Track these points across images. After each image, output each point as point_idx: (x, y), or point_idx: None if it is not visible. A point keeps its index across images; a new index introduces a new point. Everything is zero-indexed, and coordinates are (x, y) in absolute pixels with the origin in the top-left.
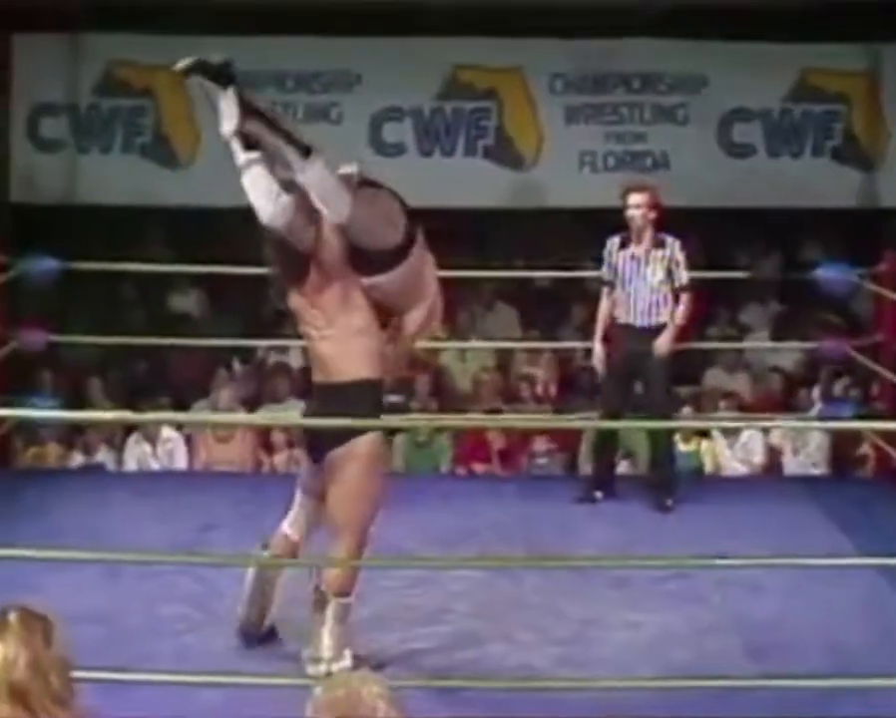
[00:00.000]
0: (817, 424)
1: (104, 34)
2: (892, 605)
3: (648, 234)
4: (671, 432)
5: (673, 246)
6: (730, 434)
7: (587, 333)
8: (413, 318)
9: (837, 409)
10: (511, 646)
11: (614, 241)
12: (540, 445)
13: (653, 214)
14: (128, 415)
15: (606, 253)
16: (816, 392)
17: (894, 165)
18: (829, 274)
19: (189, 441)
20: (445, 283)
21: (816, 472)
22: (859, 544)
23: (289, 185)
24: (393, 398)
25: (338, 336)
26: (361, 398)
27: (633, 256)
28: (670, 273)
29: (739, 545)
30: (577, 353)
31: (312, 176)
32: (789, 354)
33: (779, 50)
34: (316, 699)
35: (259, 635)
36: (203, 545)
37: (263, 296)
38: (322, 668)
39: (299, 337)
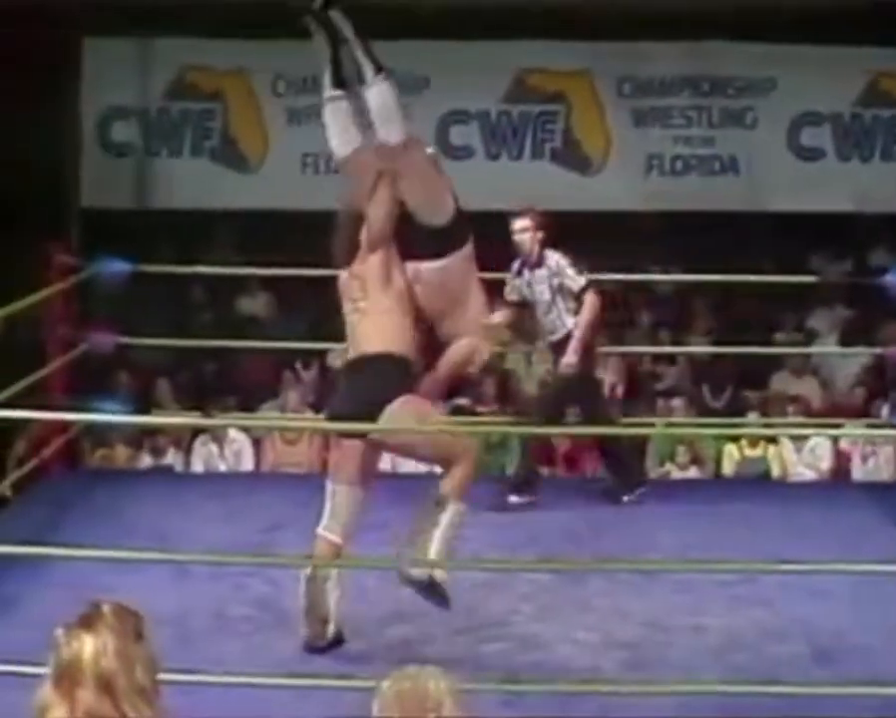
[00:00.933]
0: (885, 432)
1: (175, 38)
2: None
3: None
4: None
5: (551, 259)
6: (798, 439)
7: (654, 337)
8: (457, 348)
9: None
10: (576, 649)
11: (514, 268)
12: None
13: (540, 235)
14: (194, 419)
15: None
16: (886, 402)
17: None
18: None
19: (256, 443)
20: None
21: (885, 479)
22: None
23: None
24: (460, 400)
25: (371, 309)
26: (387, 370)
27: (528, 283)
28: (561, 287)
29: (805, 550)
30: (644, 357)
31: (378, 92)
32: (857, 360)
33: (849, 53)
34: (382, 693)
35: (326, 644)
36: (270, 546)
37: (330, 299)
38: (426, 572)
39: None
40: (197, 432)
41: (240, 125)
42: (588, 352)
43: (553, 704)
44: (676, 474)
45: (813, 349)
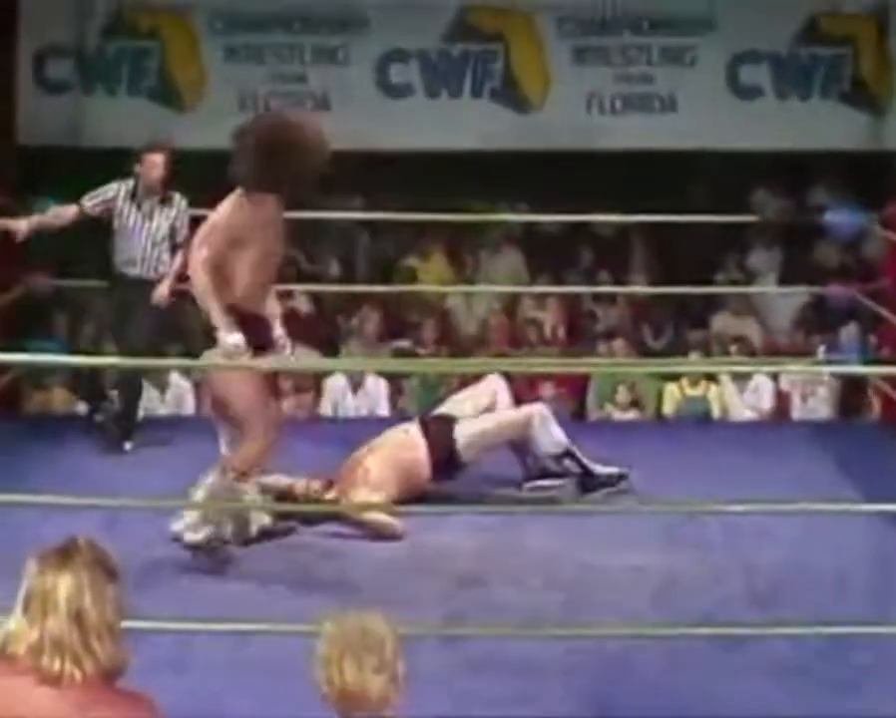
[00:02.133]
0: (825, 369)
1: None
2: None
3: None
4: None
5: (180, 201)
6: (741, 379)
7: (593, 277)
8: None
9: (843, 355)
10: (518, 591)
11: (121, 188)
12: (547, 390)
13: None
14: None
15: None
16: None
17: None
18: (838, 218)
19: (197, 386)
20: (455, 227)
21: (823, 417)
22: (865, 490)
23: None
24: (400, 342)
25: None
26: None
27: (139, 208)
28: (173, 231)
29: (747, 490)
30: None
31: None
32: (796, 299)
33: None
34: (326, 630)
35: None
36: None
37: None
38: (180, 525)
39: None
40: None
41: (178, 63)
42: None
43: (493, 646)
44: (617, 415)
45: (753, 289)
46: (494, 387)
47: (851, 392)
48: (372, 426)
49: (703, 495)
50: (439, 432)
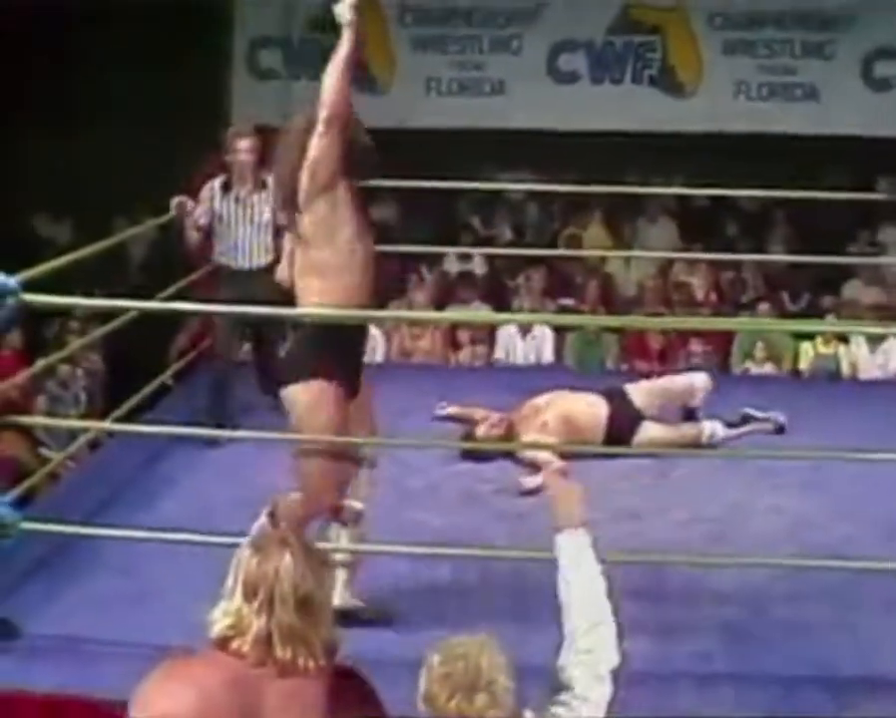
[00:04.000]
0: None
1: None
2: None
3: (252, 177)
4: None
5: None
6: (874, 340)
7: (738, 247)
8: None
9: None
10: (667, 523)
11: (214, 186)
12: (696, 346)
13: (255, 157)
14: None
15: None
16: None
17: None
18: None
19: (387, 335)
20: (614, 200)
21: None
22: None
23: None
24: (564, 301)
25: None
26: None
27: (237, 198)
28: (274, 214)
29: (872, 442)
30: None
31: None
32: None
33: None
34: (431, 669)
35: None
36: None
37: (450, 209)
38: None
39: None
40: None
41: (371, 51)
42: None
43: (647, 573)
44: (754, 369)
45: (882, 259)
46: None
47: None
48: (540, 373)
49: (835, 444)
50: (618, 394)
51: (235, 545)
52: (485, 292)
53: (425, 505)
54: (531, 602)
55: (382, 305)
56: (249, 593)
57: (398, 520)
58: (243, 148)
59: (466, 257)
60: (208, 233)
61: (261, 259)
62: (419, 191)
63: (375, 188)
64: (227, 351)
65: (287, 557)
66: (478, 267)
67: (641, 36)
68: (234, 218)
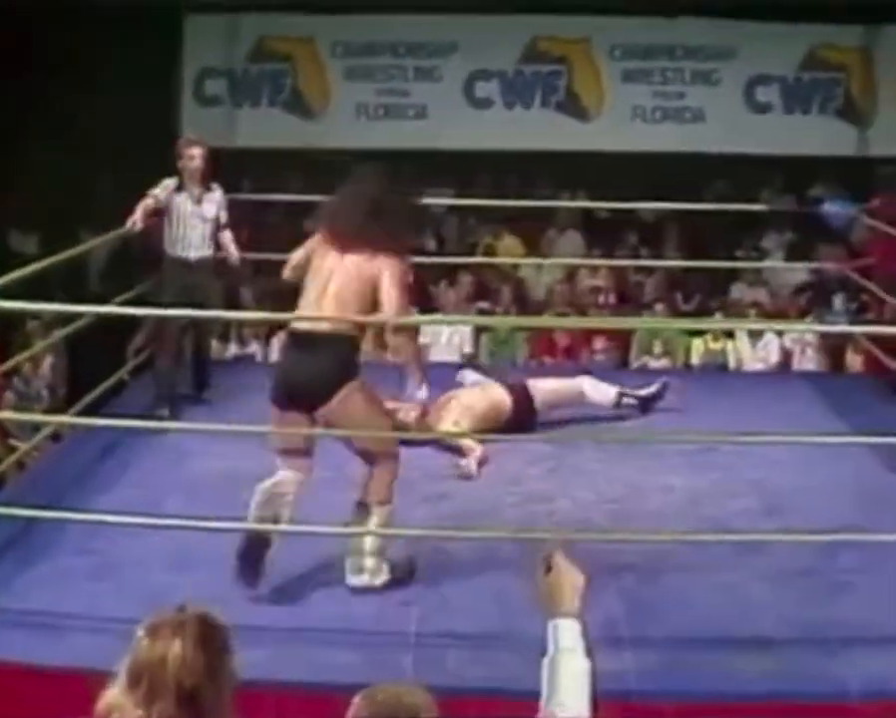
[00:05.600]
0: (821, 328)
1: (255, 13)
2: (877, 476)
3: (201, 179)
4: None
5: (220, 192)
6: (754, 336)
7: (638, 254)
8: None
9: (835, 318)
10: (573, 504)
11: (169, 184)
12: (599, 343)
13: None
14: (272, 314)
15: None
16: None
17: (883, 123)
18: (832, 209)
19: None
20: (526, 213)
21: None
22: (852, 426)
23: None
24: (481, 304)
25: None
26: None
27: (188, 197)
28: (218, 215)
29: (757, 426)
30: (630, 270)
31: None
32: (798, 274)
33: (793, 28)
34: (357, 702)
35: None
36: None
37: None
38: (365, 578)
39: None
40: (274, 328)
41: (306, 80)
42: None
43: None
44: (652, 364)
45: (764, 263)
46: (580, 384)
47: (840, 349)
48: (459, 368)
49: (722, 428)
50: (520, 389)
51: (185, 527)
52: (411, 294)
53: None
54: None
55: None
56: (133, 680)
57: (339, 501)
58: (196, 154)
59: None
60: (157, 218)
61: (205, 251)
62: None
63: (307, 204)
64: (176, 341)
65: (177, 645)
66: None
67: (548, 65)
68: (185, 214)
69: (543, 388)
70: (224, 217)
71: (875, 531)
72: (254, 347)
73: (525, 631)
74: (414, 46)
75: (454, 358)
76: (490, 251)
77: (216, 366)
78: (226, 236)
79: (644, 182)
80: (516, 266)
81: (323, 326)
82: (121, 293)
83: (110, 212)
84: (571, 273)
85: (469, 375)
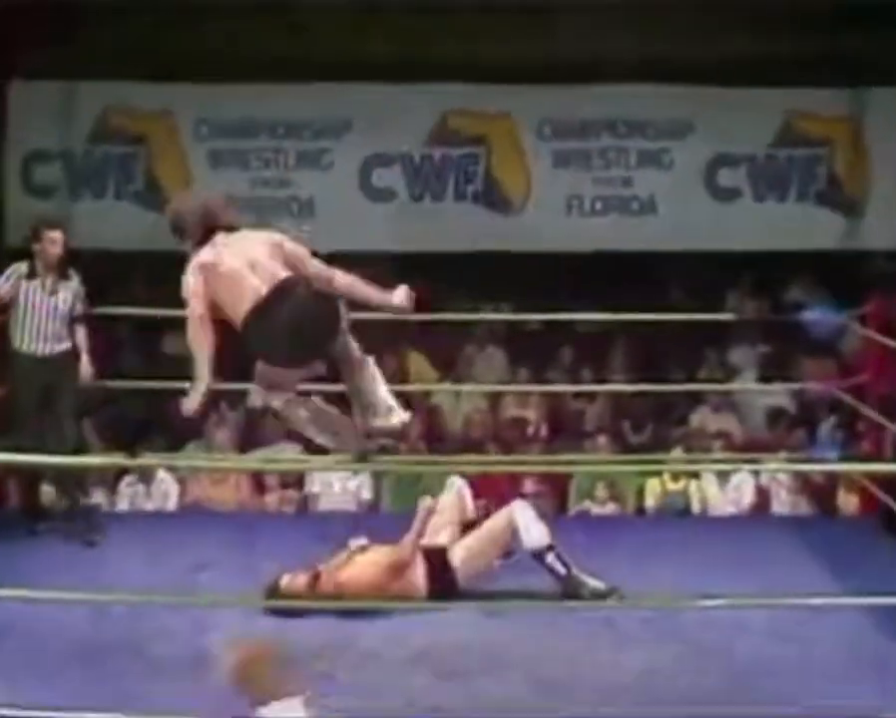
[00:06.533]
0: (806, 467)
1: (98, 81)
2: (876, 643)
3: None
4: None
5: (76, 280)
6: (723, 475)
7: (576, 375)
8: None
9: (822, 450)
10: (501, 684)
11: (21, 269)
12: (529, 486)
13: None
14: (121, 459)
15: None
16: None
17: (877, 207)
18: (815, 316)
19: (181, 481)
20: (439, 326)
21: (803, 512)
22: (845, 583)
23: None
24: (383, 440)
25: None
26: None
27: (42, 286)
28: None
29: (726, 584)
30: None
31: None
32: (775, 396)
33: (764, 94)
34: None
35: None
36: (194, 586)
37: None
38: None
39: None
40: (122, 472)
41: (164, 166)
42: None
43: None
44: (595, 510)
45: (732, 386)
46: (461, 495)
47: (830, 487)
48: (355, 518)
49: (684, 589)
50: (437, 562)
51: None
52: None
53: None
54: None
55: (176, 448)
56: None
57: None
58: (57, 239)
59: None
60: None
61: (63, 345)
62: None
63: (168, 322)
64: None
65: None
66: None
67: (462, 147)
68: (37, 305)
69: (463, 543)
70: (79, 309)
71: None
72: (98, 496)
73: None
74: (297, 125)
75: (350, 507)
76: (394, 374)
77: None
78: (80, 333)
79: (582, 288)
80: (427, 392)
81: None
82: None
83: None
84: (494, 400)
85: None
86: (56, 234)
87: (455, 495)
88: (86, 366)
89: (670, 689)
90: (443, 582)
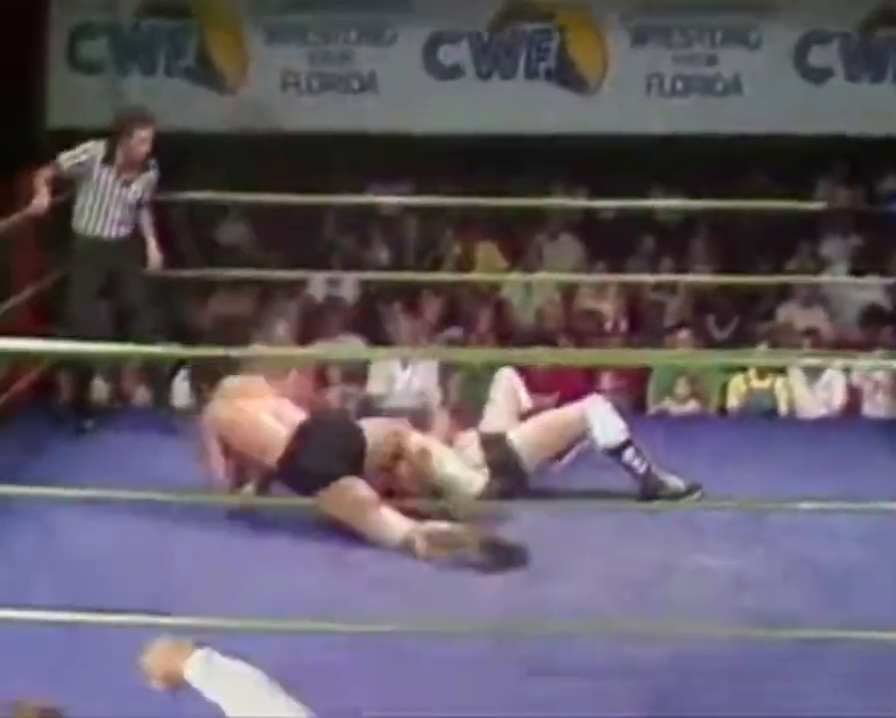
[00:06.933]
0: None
1: None
2: None
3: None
4: None
5: (154, 171)
6: (811, 373)
7: (656, 266)
8: None
9: None
10: (580, 588)
11: (99, 148)
12: (606, 382)
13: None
14: (177, 349)
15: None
16: None
17: None
18: None
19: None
20: (507, 213)
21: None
22: None
23: None
24: (451, 331)
25: None
26: None
27: (118, 175)
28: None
29: (815, 488)
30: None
31: None
32: (867, 290)
33: None
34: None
35: None
36: None
37: (317, 227)
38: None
39: (351, 268)
40: (178, 367)
41: (217, 42)
42: None
43: (554, 646)
44: (675, 408)
45: (822, 278)
46: (512, 384)
47: None
48: (420, 415)
49: (770, 492)
50: (500, 453)
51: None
52: (356, 322)
53: None
54: None
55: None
56: None
57: None
58: (144, 137)
59: (334, 283)
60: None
61: (127, 230)
62: (276, 208)
63: (223, 205)
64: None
65: None
66: (348, 294)
67: (535, 24)
68: (108, 190)
69: (526, 430)
70: (147, 196)
71: None
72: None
73: None
74: None
75: (419, 399)
76: (462, 264)
77: (101, 412)
78: (147, 219)
79: (662, 173)
80: (496, 284)
81: None
82: None
83: None
84: (568, 292)
85: None
86: (146, 133)
87: (506, 383)
88: (154, 252)
89: (758, 600)
90: (505, 468)
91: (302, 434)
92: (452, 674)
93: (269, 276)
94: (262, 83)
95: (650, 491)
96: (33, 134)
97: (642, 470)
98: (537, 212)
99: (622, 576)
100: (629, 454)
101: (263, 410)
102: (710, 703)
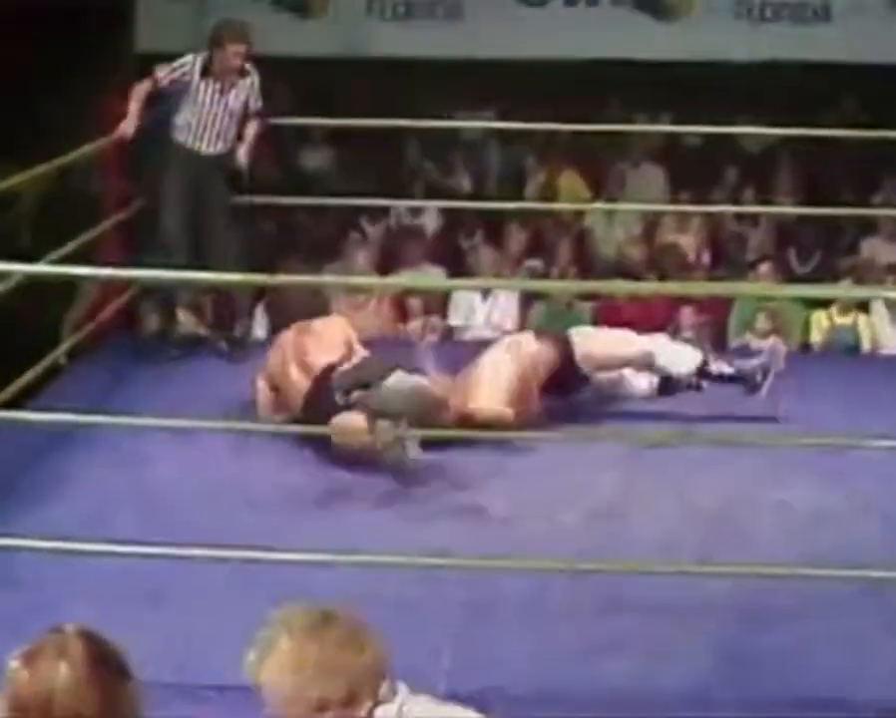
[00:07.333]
0: None
1: None
2: None
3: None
4: None
5: (255, 76)
6: (894, 309)
7: (738, 197)
8: None
9: None
10: (655, 521)
11: (196, 61)
12: (687, 317)
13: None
14: (260, 277)
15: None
16: None
17: None
18: None
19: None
20: (590, 140)
21: None
22: None
23: None
24: (531, 262)
25: None
26: None
27: (215, 86)
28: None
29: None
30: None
31: None
32: None
33: None
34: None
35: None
36: None
37: (399, 153)
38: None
39: (434, 196)
40: (258, 298)
41: None
42: None
43: (628, 583)
44: (756, 343)
45: None
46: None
47: None
48: None
49: (851, 429)
50: (556, 340)
51: (136, 554)
52: (437, 251)
53: None
54: None
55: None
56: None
57: None
58: (238, 52)
59: (415, 211)
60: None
61: (225, 146)
62: (359, 133)
63: (308, 130)
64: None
65: (63, 673)
66: (430, 222)
67: None
68: (208, 103)
69: (591, 341)
70: (253, 105)
71: None
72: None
73: (576, 691)
74: None
75: (499, 329)
76: (544, 193)
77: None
78: (251, 129)
79: (747, 100)
80: (579, 213)
81: None
82: (53, 249)
83: (43, 142)
84: (651, 222)
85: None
86: (240, 48)
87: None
88: (242, 154)
89: (834, 535)
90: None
91: (318, 384)
92: (528, 609)
93: (351, 203)
94: (347, 8)
95: (754, 381)
96: (122, 57)
97: (731, 370)
98: (620, 140)
99: (699, 511)
100: (713, 366)
101: (294, 361)
102: (783, 641)
